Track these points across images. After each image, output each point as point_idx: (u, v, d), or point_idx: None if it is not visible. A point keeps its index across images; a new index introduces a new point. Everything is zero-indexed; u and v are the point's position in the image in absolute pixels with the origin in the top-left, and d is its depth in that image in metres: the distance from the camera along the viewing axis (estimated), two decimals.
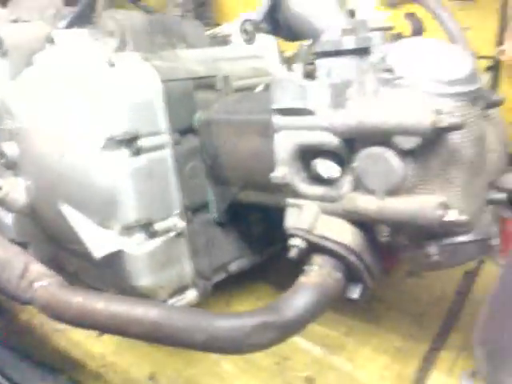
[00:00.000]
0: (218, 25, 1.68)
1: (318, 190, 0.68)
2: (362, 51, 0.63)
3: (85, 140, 0.75)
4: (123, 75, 0.77)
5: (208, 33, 1.16)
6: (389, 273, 0.79)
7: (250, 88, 0.93)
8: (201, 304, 0.87)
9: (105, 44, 0.83)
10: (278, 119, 0.68)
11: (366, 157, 0.61)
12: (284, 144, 0.68)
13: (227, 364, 0.86)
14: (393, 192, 0.61)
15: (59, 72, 0.82)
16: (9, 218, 0.97)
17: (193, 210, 0.84)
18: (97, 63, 0.78)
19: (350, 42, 0.63)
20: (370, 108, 0.60)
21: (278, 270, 1.00)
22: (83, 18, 0.98)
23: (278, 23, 0.74)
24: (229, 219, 0.88)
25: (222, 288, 0.91)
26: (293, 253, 0.68)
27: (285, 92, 0.65)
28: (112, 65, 0.76)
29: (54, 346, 0.93)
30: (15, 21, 0.99)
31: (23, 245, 0.96)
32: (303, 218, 0.68)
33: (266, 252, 0.97)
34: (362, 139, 0.62)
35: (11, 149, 0.88)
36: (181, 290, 0.84)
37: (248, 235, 0.94)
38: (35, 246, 0.96)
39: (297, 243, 0.68)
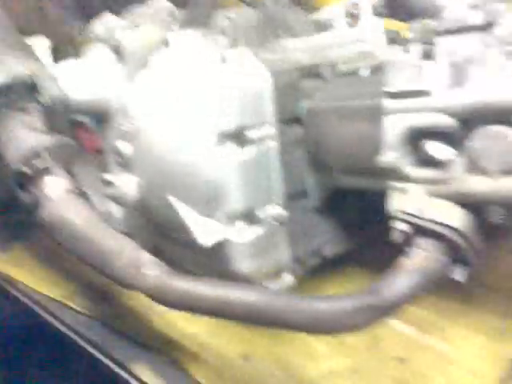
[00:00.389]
0: (317, 8, 1.68)
1: (427, 172, 0.67)
2: (488, 25, 0.61)
3: (197, 136, 0.79)
4: (233, 70, 0.81)
5: (310, 18, 1.19)
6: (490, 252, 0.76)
7: (356, 73, 0.92)
8: (292, 288, 0.88)
9: (217, 42, 0.88)
10: (389, 102, 0.68)
11: (484, 136, 0.60)
12: (394, 127, 0.68)
13: (319, 344, 0.86)
14: (510, 171, 0.59)
15: (173, 72, 0.88)
16: (117, 211, 1.03)
17: (293, 197, 0.86)
18: (208, 60, 0.83)
19: (475, 17, 0.61)
20: (493, 86, 0.59)
21: (372, 256, 0.98)
22: (195, 20, 1.05)
23: (395, 5, 0.73)
24: (327, 205, 0.90)
25: (315, 273, 0.92)
26: (397, 236, 0.68)
27: (399, 74, 0.65)
28: (223, 60, 0.81)
29: (153, 328, 0.97)
30: (131, 27, 1.08)
31: (130, 235, 1.03)
32: (410, 202, 0.67)
33: (362, 237, 0.97)
34: (480, 118, 0.60)
35: (126, 147, 0.94)
36: (277, 274, 0.86)
37: (344, 220, 0.94)
38: (140, 236, 1.03)
39: (402, 227, 0.68)
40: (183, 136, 0.82)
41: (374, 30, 0.98)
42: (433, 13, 0.68)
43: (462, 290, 0.89)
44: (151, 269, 0.79)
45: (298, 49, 0.92)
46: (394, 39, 0.96)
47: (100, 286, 1.06)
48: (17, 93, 0.88)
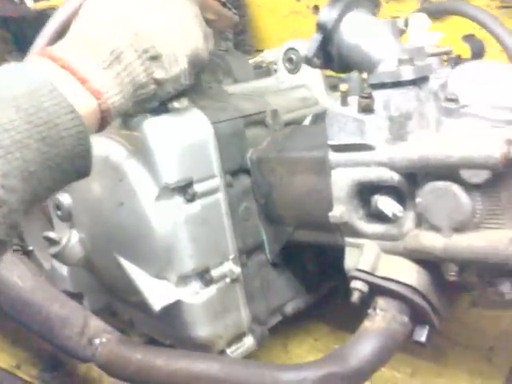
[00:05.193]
0: (258, 51, 1.70)
1: (378, 227, 0.68)
2: (421, 80, 0.62)
3: (139, 191, 0.78)
4: (171, 122, 0.78)
5: (251, 61, 1.19)
6: (452, 305, 0.76)
7: (299, 120, 0.95)
8: (258, 348, 0.87)
9: None
10: (334, 156, 0.69)
11: (430, 192, 0.60)
12: (341, 181, 0.68)
13: None
14: (460, 228, 0.60)
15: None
16: (63, 269, 1.00)
17: (247, 252, 0.85)
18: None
19: (408, 73, 0.61)
20: (433, 141, 0.60)
21: (334, 308, 0.98)
22: None
23: (330, 56, 0.73)
24: (283, 259, 0.89)
25: (277, 330, 0.91)
26: (355, 297, 0.68)
27: (341, 128, 0.66)
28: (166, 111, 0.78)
29: None
30: None
31: (78, 295, 1.00)
32: (364, 259, 0.68)
33: (321, 290, 0.97)
34: (425, 174, 0.61)
35: (67, 200, 0.90)
36: (238, 337, 0.85)
37: (302, 274, 0.94)
38: (90, 296, 0.99)
39: (358, 286, 0.68)
40: (124, 188, 0.79)
41: (313, 76, 1.00)
42: (367, 66, 0.68)
43: (435, 348, 0.89)
44: (100, 337, 0.76)
45: (240, 95, 0.91)
46: (334, 86, 0.97)
47: (50, 353, 1.02)
48: None
